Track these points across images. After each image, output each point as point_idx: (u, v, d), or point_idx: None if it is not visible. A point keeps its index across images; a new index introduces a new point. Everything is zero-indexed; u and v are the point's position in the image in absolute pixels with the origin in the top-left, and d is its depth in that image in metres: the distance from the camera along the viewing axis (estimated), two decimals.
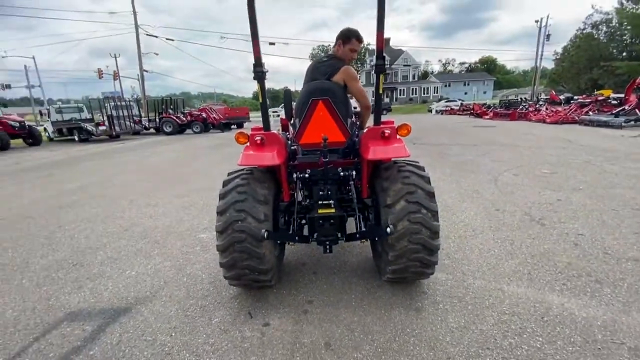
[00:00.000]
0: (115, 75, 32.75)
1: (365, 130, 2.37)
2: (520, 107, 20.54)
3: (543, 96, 29.85)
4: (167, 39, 29.01)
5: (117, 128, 16.90)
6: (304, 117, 2.25)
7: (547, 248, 3.03)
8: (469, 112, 26.43)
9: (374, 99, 2.42)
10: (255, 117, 30.63)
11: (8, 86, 34.16)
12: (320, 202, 2.45)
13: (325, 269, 2.83)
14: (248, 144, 2.38)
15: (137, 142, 16.55)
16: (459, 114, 28.70)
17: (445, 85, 64.45)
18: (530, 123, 16.78)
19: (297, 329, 2.10)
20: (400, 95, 60.48)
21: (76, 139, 17.09)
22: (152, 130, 20.98)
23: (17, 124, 15.47)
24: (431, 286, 2.49)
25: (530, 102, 22.84)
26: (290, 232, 2.43)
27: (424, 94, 60.19)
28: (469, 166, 6.76)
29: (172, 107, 20.39)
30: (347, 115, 2.46)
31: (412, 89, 60.60)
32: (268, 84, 2.51)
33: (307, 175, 2.46)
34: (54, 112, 18.40)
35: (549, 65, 50.51)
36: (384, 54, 2.16)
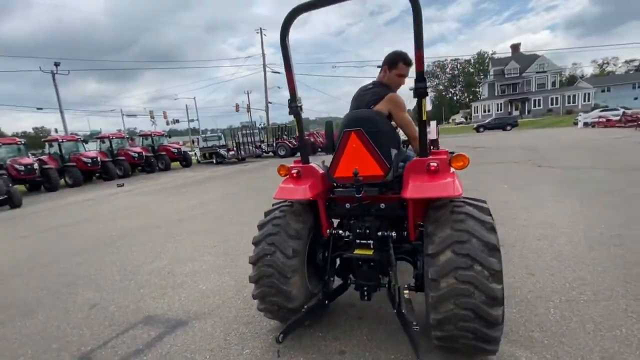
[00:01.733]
0: (248, 108, 39.01)
1: (409, 163, 2.06)
2: None
3: None
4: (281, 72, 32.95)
5: (242, 152, 19.96)
6: (337, 148, 2.12)
7: None
8: (635, 124, 20.33)
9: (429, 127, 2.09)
10: None
11: (177, 121, 45.07)
12: (358, 241, 2.23)
13: (372, 317, 2.52)
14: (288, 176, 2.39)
15: (256, 164, 19.05)
16: (619, 127, 22.38)
17: (602, 91, 51.65)
18: None
19: None
20: (535, 106, 51.48)
21: (214, 161, 20.96)
22: (270, 154, 23.87)
23: (176, 150, 20.13)
24: None
25: None
26: (323, 286, 2.24)
27: (569, 102, 49.51)
28: (614, 199, 5.09)
29: (286, 133, 22.85)
30: (389, 146, 2.20)
31: (552, 98, 50.70)
32: None
33: (344, 210, 2.28)
34: (201, 140, 23.16)
35: None
36: (424, 75, 1.84)
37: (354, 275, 2.25)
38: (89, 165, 16.00)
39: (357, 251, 2.19)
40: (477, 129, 33.17)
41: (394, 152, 2.24)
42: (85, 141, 18.45)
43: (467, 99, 79.06)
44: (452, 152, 2.03)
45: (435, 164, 1.90)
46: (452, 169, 1.97)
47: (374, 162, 2.04)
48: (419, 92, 1.84)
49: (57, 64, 19.80)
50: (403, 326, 1.88)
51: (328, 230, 2.30)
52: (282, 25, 2.05)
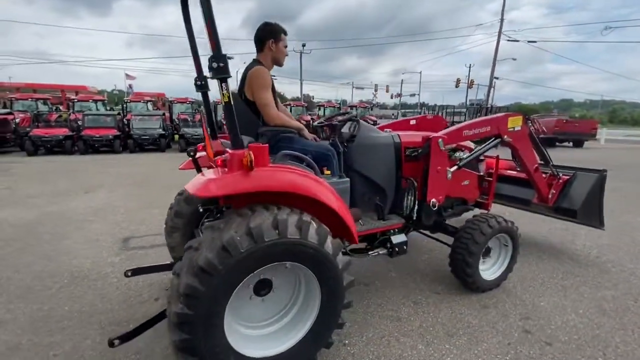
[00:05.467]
0: (471, 84, 35.06)
1: None
2: None
3: None
4: (528, 41, 26.53)
5: None
6: None
7: None
8: None
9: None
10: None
11: (399, 95, 47.71)
12: None
13: None
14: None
15: None
16: None
17: None
18: None
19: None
20: None
21: None
22: None
23: (372, 122, 21.92)
24: None
25: None
26: None
27: None
28: None
29: (490, 114, 19.29)
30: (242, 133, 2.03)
31: None
32: None
33: None
34: (400, 115, 23.75)
35: None
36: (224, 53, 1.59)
37: None
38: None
39: None
40: None
41: (247, 140, 2.03)
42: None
43: None
44: None
45: (224, 158, 1.69)
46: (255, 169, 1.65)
47: (209, 148, 2.01)
48: (215, 73, 1.62)
49: (303, 45, 26.17)
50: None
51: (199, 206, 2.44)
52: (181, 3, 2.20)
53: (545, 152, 3.21)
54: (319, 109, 22.12)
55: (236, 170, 1.65)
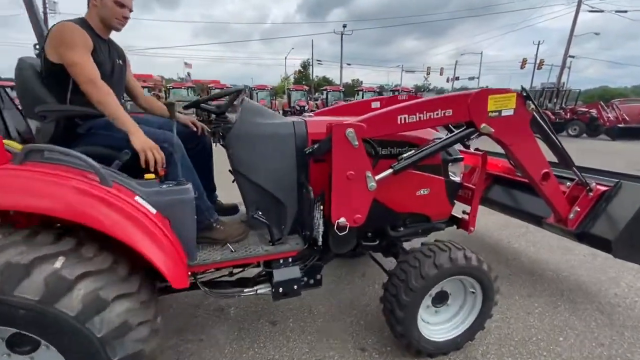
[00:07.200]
0: (539, 64, 30.59)
1: None
2: None
3: None
4: (616, 11, 21.96)
5: None
6: None
7: None
8: None
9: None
10: None
11: (457, 78, 44.17)
12: None
13: None
14: None
15: None
16: None
17: None
18: None
19: None
20: None
21: None
22: None
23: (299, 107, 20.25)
24: None
25: None
26: None
27: None
28: None
29: (555, 99, 15.99)
30: (31, 113, 1.43)
31: None
32: None
33: None
34: None
35: None
36: None
37: None
38: None
39: None
40: None
41: (34, 124, 1.42)
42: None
43: None
44: None
45: None
46: None
47: None
48: None
49: (344, 26, 24.87)
50: None
51: None
52: None
53: (564, 150, 2.10)
54: (357, 95, 20.88)
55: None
